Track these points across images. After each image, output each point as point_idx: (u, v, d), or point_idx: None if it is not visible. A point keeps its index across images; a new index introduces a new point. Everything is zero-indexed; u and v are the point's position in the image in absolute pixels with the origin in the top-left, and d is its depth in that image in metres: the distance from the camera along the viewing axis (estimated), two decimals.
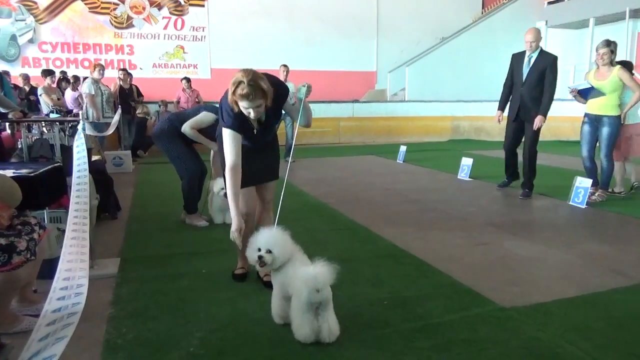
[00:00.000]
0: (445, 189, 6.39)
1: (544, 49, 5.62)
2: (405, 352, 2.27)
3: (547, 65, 5.46)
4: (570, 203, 5.30)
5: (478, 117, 13.93)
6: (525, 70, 5.59)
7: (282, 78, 9.03)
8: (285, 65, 8.92)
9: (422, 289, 3.04)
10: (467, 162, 7.21)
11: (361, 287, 3.06)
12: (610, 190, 5.69)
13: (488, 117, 13.88)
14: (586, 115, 5.58)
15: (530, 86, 5.55)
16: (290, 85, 9.39)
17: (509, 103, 5.90)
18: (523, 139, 5.85)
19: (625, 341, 2.37)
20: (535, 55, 5.55)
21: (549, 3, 15.44)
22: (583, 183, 5.27)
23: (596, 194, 5.43)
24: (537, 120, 5.47)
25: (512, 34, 15.65)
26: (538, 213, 5.16)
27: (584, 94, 5.49)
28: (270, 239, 2.47)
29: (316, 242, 3.98)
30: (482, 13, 16.74)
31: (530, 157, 5.71)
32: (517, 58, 5.76)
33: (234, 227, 2.73)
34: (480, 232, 4.34)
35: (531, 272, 3.35)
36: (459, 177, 7.16)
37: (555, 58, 5.55)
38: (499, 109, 5.98)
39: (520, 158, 5.99)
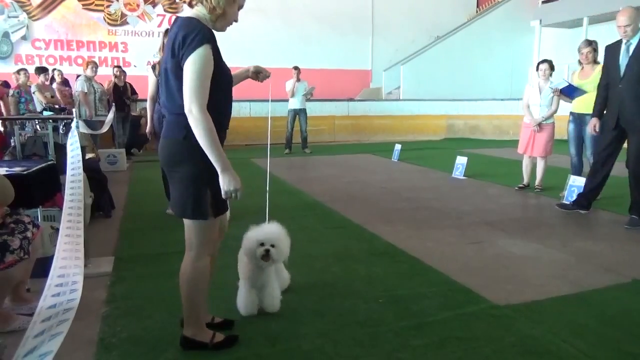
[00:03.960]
0: (440, 188, 6.40)
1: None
2: (400, 350, 2.28)
3: None
4: (564, 202, 5.32)
5: (473, 115, 13.97)
6: (623, 63, 4.28)
7: (294, 78, 9.33)
8: (296, 68, 9.75)
9: (416, 287, 3.05)
10: (461, 160, 7.23)
11: (356, 285, 3.06)
12: (535, 184, 6.05)
13: (483, 115, 13.97)
14: (571, 114, 5.68)
15: (631, 82, 4.22)
16: (304, 83, 9.69)
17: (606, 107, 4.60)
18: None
19: (618, 339, 2.39)
20: (635, 42, 4.22)
21: (543, 2, 15.49)
22: (577, 182, 5.28)
23: None
24: None
25: (507, 32, 15.75)
26: (532, 211, 5.18)
27: (568, 93, 5.55)
28: (273, 234, 2.50)
29: (311, 241, 3.98)
30: (477, 12, 16.79)
31: (637, 177, 4.36)
32: (612, 50, 4.43)
33: (237, 185, 1.99)
34: (474, 230, 4.36)
35: (525, 270, 3.36)
36: (453, 175, 7.18)
37: None
38: (593, 116, 4.69)
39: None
